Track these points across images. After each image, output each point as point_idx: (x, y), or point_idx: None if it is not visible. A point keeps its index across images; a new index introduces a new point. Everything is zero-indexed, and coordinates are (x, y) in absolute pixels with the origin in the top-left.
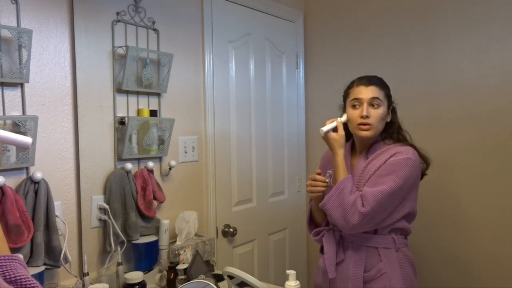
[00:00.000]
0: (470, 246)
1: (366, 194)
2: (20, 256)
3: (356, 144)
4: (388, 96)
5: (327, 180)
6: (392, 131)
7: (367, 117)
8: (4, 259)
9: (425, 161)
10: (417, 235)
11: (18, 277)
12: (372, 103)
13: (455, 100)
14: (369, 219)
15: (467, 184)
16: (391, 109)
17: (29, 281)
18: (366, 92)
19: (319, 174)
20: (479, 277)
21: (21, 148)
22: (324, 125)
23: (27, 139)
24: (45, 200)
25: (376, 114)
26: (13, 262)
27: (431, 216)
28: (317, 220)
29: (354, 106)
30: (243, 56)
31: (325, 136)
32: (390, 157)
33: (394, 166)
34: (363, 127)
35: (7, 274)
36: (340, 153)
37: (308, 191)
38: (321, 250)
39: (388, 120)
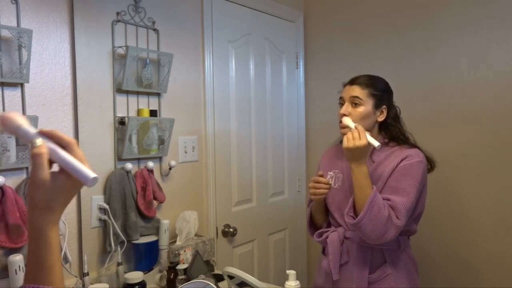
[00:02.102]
0: (474, 245)
1: (397, 205)
2: None
3: None
4: (376, 95)
5: (330, 182)
6: (395, 134)
7: (344, 115)
8: None
9: (430, 164)
10: (421, 234)
11: None
12: (353, 102)
13: (455, 100)
14: (401, 229)
15: (470, 183)
16: (386, 109)
17: None
18: (348, 91)
19: (321, 176)
20: (483, 276)
21: (82, 181)
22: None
23: (88, 173)
24: None
25: (355, 113)
26: None
27: (435, 215)
28: (318, 222)
29: (340, 105)
30: (243, 56)
31: (361, 150)
32: (402, 160)
33: (410, 170)
34: (341, 124)
35: None
36: (367, 164)
37: (311, 193)
38: (323, 251)
39: (380, 119)
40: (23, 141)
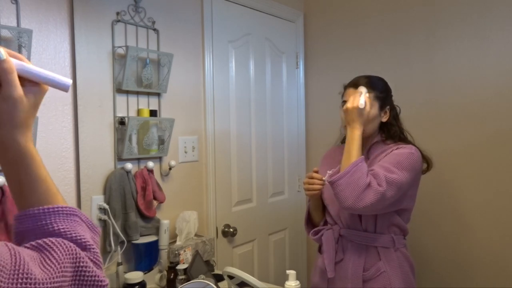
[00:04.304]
0: (471, 245)
1: (379, 175)
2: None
3: None
4: (380, 97)
5: (324, 179)
6: (393, 132)
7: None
8: (62, 211)
9: (427, 163)
10: (418, 234)
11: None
12: None
13: (455, 100)
14: (381, 200)
15: (467, 183)
16: (389, 109)
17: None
18: (354, 94)
19: (316, 172)
20: (479, 276)
21: (61, 90)
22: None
23: (66, 80)
24: None
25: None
26: (71, 216)
27: (432, 215)
28: (315, 220)
29: (344, 108)
30: (243, 56)
31: (357, 110)
32: (392, 150)
33: (398, 156)
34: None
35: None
36: (361, 129)
37: (305, 189)
38: (319, 250)
39: (384, 120)
40: None
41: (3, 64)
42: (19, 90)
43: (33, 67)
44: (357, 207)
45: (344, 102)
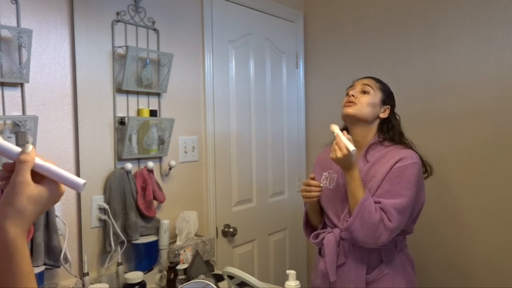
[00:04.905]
0: (470, 247)
1: (388, 208)
2: None
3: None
4: (384, 91)
5: (321, 185)
6: (393, 134)
7: (353, 96)
8: None
9: (426, 169)
10: (417, 236)
11: None
12: (362, 90)
13: (454, 100)
14: (395, 232)
15: (467, 185)
16: (389, 109)
17: None
18: (360, 81)
19: (313, 178)
20: (478, 279)
21: (73, 189)
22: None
23: (79, 180)
24: None
25: (363, 99)
26: None
27: (431, 217)
28: (314, 222)
29: (347, 95)
30: (243, 56)
31: (347, 157)
32: (396, 162)
33: (404, 173)
34: (347, 103)
35: None
36: (357, 168)
37: (302, 196)
38: (320, 253)
39: (382, 116)
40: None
41: (25, 155)
42: (24, 177)
43: (51, 166)
44: (376, 245)
45: (350, 88)
